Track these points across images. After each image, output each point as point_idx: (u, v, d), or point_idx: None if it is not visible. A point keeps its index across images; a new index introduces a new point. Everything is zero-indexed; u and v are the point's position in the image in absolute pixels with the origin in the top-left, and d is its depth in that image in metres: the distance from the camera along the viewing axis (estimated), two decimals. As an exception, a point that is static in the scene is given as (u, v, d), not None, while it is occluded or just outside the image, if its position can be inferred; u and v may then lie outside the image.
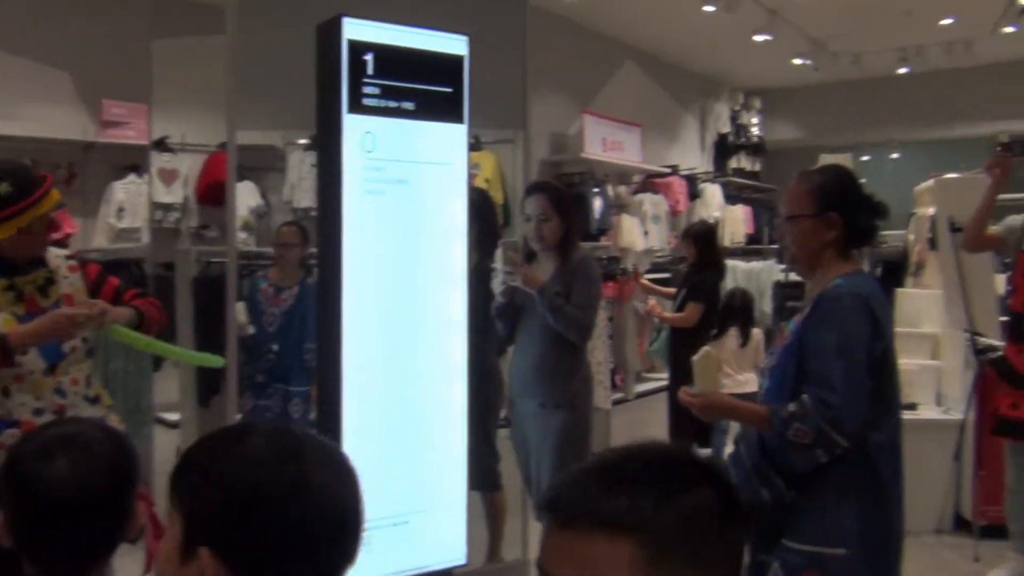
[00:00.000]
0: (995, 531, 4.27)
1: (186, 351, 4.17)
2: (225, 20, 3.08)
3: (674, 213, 8.85)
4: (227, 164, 3.23)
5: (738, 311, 5.46)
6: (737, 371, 5.28)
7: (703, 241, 5.85)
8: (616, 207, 8.28)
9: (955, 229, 4.28)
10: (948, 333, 5.03)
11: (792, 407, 2.14)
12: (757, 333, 5.52)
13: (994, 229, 3.98)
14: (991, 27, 8.61)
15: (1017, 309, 3.87)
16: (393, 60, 2.91)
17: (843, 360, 2.13)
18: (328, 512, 1.08)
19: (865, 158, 12.76)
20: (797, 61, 9.84)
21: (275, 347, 4.67)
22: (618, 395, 7.60)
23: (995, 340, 4.37)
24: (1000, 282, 4.49)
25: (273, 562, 1.05)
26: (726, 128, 11.07)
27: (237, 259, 3.12)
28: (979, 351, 4.36)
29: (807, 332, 2.21)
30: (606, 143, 8.03)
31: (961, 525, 4.72)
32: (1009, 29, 8.53)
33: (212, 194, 5.41)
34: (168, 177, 5.66)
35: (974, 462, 4.56)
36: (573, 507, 0.91)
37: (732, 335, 5.39)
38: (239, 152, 4.17)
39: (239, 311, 4.48)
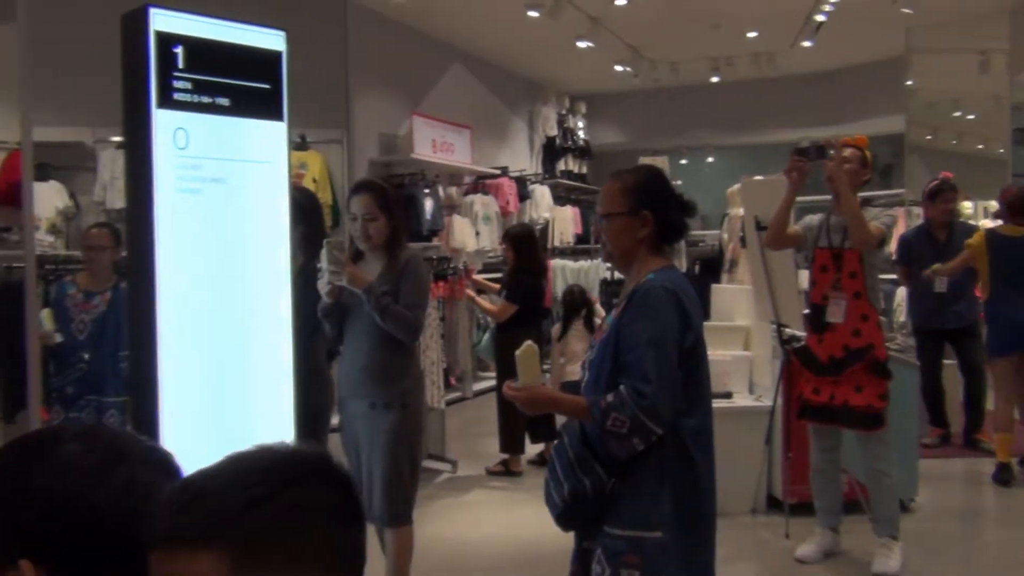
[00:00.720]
0: (804, 508, 4.57)
1: None
2: (15, 6, 2.87)
3: (505, 214, 9.00)
4: (22, 161, 3.01)
5: (579, 305, 5.90)
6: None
7: (520, 243, 6.00)
8: (447, 208, 8.32)
9: (761, 228, 4.51)
10: (757, 325, 5.33)
11: (610, 398, 2.22)
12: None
13: (794, 228, 4.27)
14: (791, 41, 9.27)
15: (817, 302, 4.17)
16: (205, 54, 2.79)
17: (655, 351, 2.22)
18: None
19: (684, 161, 13.43)
20: (619, 68, 10.23)
21: (86, 356, 4.41)
22: (456, 394, 7.64)
23: (798, 331, 4.68)
24: (803, 277, 4.79)
25: (101, 567, 0.99)
26: (554, 131, 11.35)
27: (40, 263, 2.92)
28: (784, 341, 4.65)
29: (623, 326, 2.29)
30: (436, 144, 8.06)
31: (773, 505, 5.00)
32: (806, 44, 9.20)
33: (12, 194, 5.00)
34: (-39, 176, 5.21)
35: (783, 445, 4.86)
36: (158, 525, 0.87)
37: (579, 328, 5.81)
38: (44, 150, 3.90)
39: (44, 318, 4.20)
